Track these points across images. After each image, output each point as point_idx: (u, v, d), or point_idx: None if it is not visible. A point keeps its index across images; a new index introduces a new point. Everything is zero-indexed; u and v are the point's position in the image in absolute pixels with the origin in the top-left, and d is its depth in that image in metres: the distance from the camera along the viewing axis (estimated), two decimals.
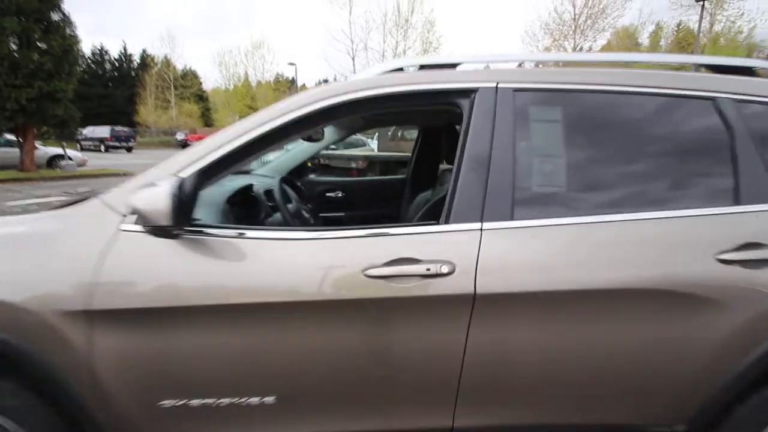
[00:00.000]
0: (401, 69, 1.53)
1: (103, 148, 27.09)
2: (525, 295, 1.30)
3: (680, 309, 1.30)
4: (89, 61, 40.01)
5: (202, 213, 1.52)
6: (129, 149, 27.76)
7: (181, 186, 1.20)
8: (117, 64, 43.23)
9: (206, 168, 1.35)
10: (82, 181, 11.77)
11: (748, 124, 1.39)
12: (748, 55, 19.20)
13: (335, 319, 1.31)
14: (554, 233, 1.33)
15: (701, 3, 18.51)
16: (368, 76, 1.47)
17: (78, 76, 13.45)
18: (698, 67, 1.69)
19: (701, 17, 19.26)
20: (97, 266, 1.25)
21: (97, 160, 18.40)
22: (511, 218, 1.33)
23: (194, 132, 33.73)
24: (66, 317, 1.24)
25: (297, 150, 3.22)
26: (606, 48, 25.57)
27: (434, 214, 1.45)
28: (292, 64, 40.86)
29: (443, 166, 3.18)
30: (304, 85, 36.51)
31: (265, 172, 2.97)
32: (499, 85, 1.42)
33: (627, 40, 27.89)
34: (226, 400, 1.32)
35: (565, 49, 23.26)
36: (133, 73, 41.95)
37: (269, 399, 1.33)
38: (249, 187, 2.23)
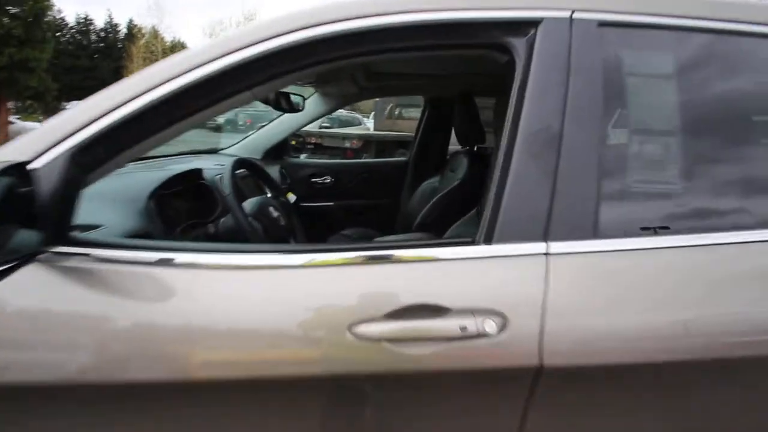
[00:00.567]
0: None
1: None
2: (627, 369, 0.78)
3: None
4: (73, 32, 38.77)
5: (104, 216, 1.00)
6: None
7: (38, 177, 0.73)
8: (102, 34, 41.88)
9: (87, 145, 0.80)
10: None
11: None
12: None
13: (307, 408, 0.79)
14: (674, 260, 0.81)
15: None
16: None
17: (51, 43, 12.81)
18: None
19: None
20: None
21: None
22: (596, 235, 0.81)
23: None
24: None
25: (276, 123, 2.64)
26: None
27: (449, 212, 1.05)
28: None
29: (453, 147, 2.63)
30: None
31: (236, 152, 2.40)
32: (575, 15, 0.87)
33: None
34: None
35: None
36: (119, 45, 40.62)
37: None
38: (196, 174, 1.57)
